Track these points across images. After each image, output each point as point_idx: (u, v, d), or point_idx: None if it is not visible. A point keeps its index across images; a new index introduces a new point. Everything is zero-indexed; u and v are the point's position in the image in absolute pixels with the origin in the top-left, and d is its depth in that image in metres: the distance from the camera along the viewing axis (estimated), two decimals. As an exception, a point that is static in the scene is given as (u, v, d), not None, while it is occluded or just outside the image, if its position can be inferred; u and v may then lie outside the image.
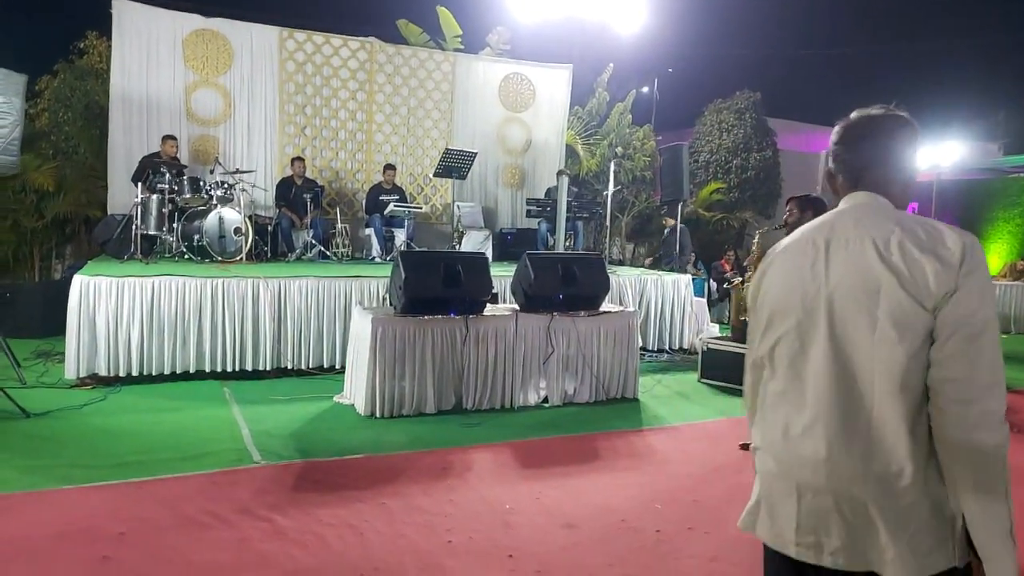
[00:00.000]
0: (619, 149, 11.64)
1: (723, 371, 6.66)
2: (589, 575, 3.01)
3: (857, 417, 1.41)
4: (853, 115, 1.60)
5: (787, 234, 4.67)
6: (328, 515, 3.49)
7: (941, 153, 8.56)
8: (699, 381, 6.82)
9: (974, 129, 8.87)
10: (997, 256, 14.69)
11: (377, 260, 8.83)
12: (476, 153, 9.03)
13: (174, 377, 6.05)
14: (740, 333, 6.71)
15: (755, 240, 4.88)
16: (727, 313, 10.88)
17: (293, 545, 3.18)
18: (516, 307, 5.94)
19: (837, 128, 1.63)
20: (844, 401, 1.42)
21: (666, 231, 11.15)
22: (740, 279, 7.41)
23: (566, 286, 5.78)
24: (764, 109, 14.25)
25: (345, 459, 4.35)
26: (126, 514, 3.46)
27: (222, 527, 3.34)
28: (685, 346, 8.32)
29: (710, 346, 6.83)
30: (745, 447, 4.70)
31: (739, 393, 6.37)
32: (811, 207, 4.59)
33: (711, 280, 11.09)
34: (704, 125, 14.49)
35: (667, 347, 8.08)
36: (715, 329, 8.43)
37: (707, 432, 5.25)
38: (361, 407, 5.29)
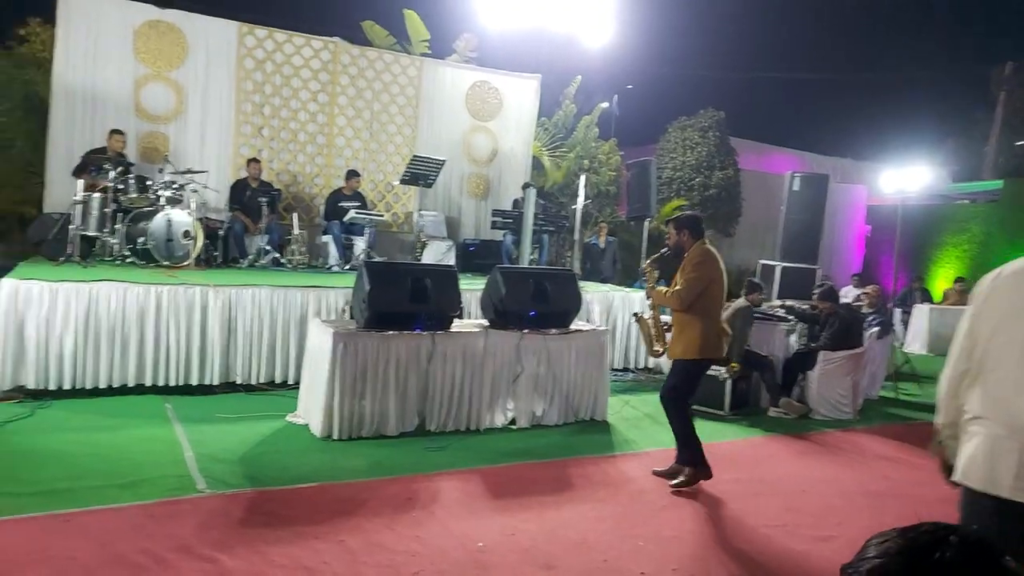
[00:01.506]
0: (586, 162, 11.53)
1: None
2: (572, 626, 2.75)
3: None
4: None
5: (672, 255, 4.58)
6: (280, 555, 3.15)
7: (907, 178, 8.62)
8: (668, 402, 6.65)
9: (928, 156, 9.03)
10: (943, 280, 15.08)
11: (335, 269, 8.45)
12: (444, 161, 8.75)
13: (111, 391, 5.58)
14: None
15: (646, 266, 4.81)
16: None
17: (241, 591, 2.84)
18: (485, 323, 5.67)
19: None
20: None
21: (602, 242, 11.00)
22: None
23: (538, 302, 5.55)
24: (728, 128, 14.35)
25: (299, 487, 4.00)
26: (48, 552, 3.05)
27: (159, 570, 2.98)
28: (650, 366, 8.18)
29: (680, 367, 6.66)
30: (658, 473, 4.55)
31: (707, 415, 6.23)
32: (686, 227, 4.48)
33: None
34: (668, 142, 14.52)
35: (632, 366, 7.92)
36: (681, 348, 8.29)
37: (681, 459, 5.05)
38: (317, 428, 4.94)
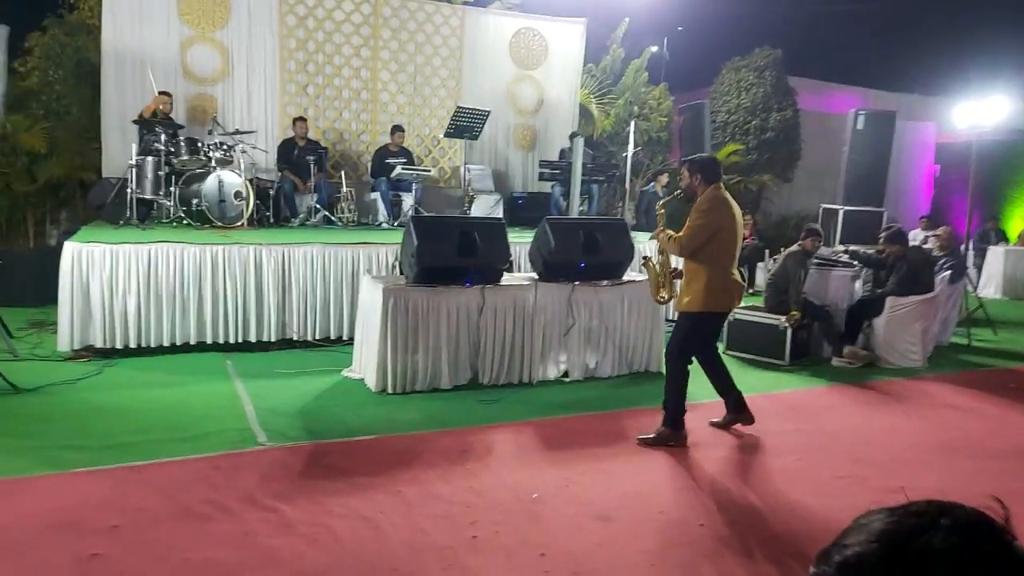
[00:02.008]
0: (635, 108, 11.16)
1: (751, 343, 6.34)
2: (630, 577, 2.71)
3: None
4: None
5: (685, 198, 4.27)
6: (339, 505, 3.20)
7: (982, 111, 8.06)
8: (724, 353, 6.49)
9: (1006, 87, 8.33)
10: (1020, 220, 14.24)
11: (384, 226, 8.46)
12: (489, 112, 8.57)
13: (174, 349, 5.76)
14: (774, 303, 6.37)
15: (658, 209, 4.53)
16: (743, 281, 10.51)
17: (302, 540, 2.89)
18: (535, 276, 5.59)
19: None
20: None
21: (660, 191, 10.40)
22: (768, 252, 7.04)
23: (589, 254, 5.43)
24: (785, 67, 13.65)
25: (356, 440, 4.05)
26: (119, 504, 3.17)
27: (225, 519, 3.06)
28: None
29: (737, 316, 6.47)
30: (715, 424, 4.42)
31: (769, 367, 6.07)
32: (698, 171, 4.16)
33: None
34: (721, 84, 13.91)
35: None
36: (738, 297, 8.06)
37: (739, 409, 4.93)
38: (372, 382, 4.99)
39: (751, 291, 10.12)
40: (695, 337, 4.19)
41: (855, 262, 6.94)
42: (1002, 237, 12.86)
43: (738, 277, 4.20)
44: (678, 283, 4.34)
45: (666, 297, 4.51)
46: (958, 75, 16.67)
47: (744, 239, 10.82)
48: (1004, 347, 7.27)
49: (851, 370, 6.09)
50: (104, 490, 3.32)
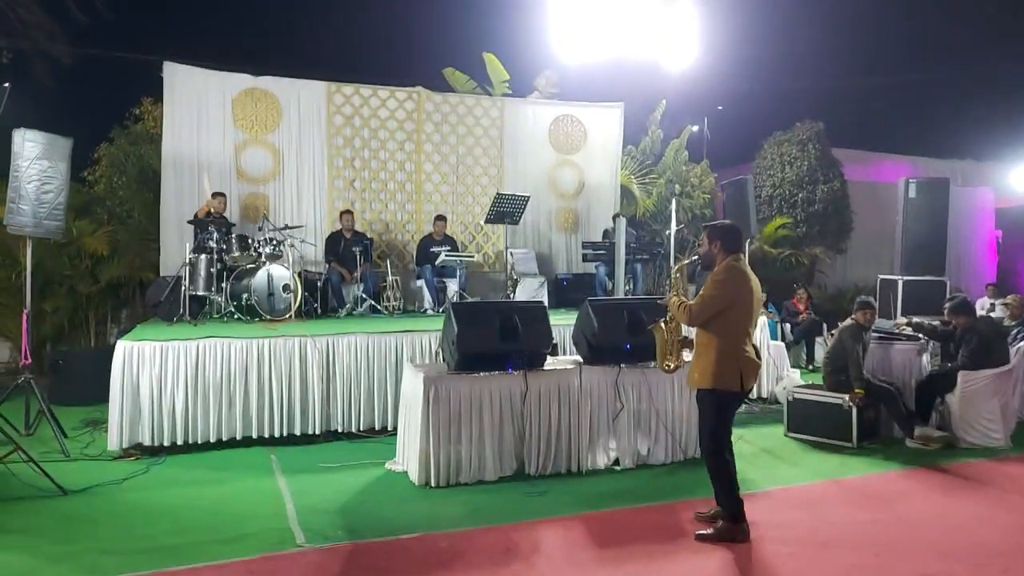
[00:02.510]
0: (677, 187, 11.15)
1: (813, 424, 5.99)
2: None
3: None
4: None
5: (702, 266, 4.04)
6: (377, 613, 3.02)
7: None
8: (786, 435, 6.14)
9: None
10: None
11: (429, 312, 8.48)
12: (528, 197, 8.67)
13: (220, 445, 5.73)
14: (833, 381, 6.04)
15: (674, 272, 4.29)
16: (803, 356, 10.09)
17: (335, 654, 2.71)
18: (579, 359, 5.44)
19: None
20: None
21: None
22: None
23: (633, 335, 5.26)
24: (828, 140, 13.56)
25: (397, 539, 3.88)
26: (153, 613, 3.05)
27: (256, 630, 2.90)
28: (764, 395, 7.64)
29: (796, 396, 6.15)
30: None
31: (832, 448, 5.69)
32: (718, 238, 3.98)
33: (783, 321, 10.33)
34: (764, 159, 13.87)
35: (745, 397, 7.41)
36: (796, 375, 7.71)
37: (806, 498, 4.59)
38: (415, 475, 4.83)
39: (811, 368, 9.69)
40: (719, 418, 3.92)
41: (920, 335, 6.56)
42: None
43: (753, 355, 3.92)
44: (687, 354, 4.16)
45: (671, 366, 4.31)
46: (1011, 139, 16.26)
47: (799, 314, 10.53)
48: (1096, 421, 6.68)
49: (927, 452, 5.65)
50: (139, 598, 3.21)
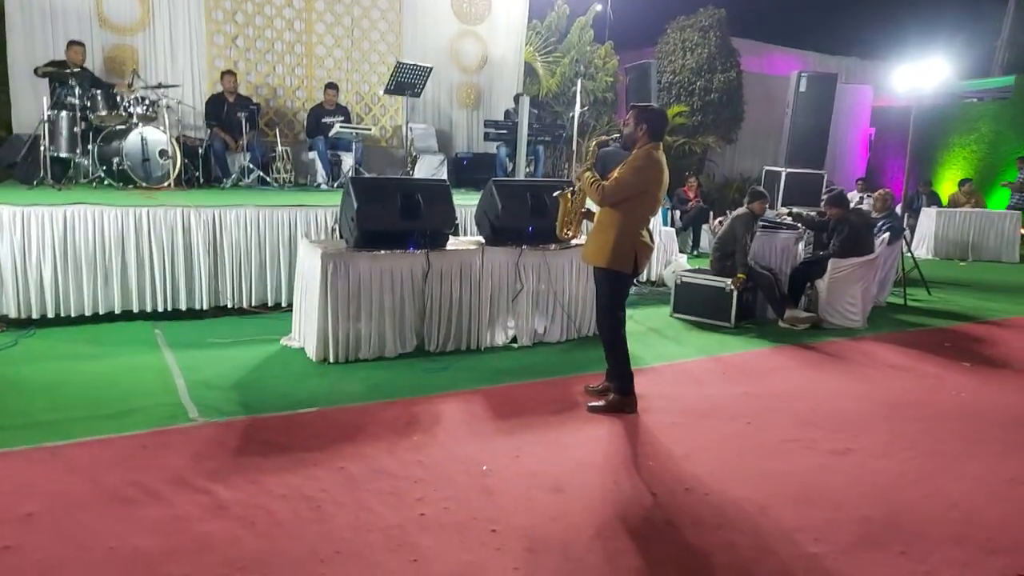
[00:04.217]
0: (581, 68, 10.95)
1: (698, 306, 6.35)
2: (585, 551, 2.64)
3: None
4: None
5: (622, 146, 4.13)
6: (278, 484, 3.02)
7: (921, 73, 8.16)
8: (671, 316, 6.50)
9: (942, 52, 8.39)
10: (950, 183, 14.77)
11: (323, 187, 8.12)
12: (431, 68, 8.25)
13: (97, 318, 5.39)
14: (719, 266, 6.37)
15: (590, 148, 4.28)
16: (689, 243, 10.57)
17: (238, 524, 2.71)
18: (481, 240, 5.42)
19: None
20: None
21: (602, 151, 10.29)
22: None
23: (536, 217, 5.27)
24: (728, 28, 13.63)
25: (297, 413, 3.86)
26: (35, 489, 2.92)
27: (152, 503, 2.85)
28: (652, 278, 8.00)
29: (684, 279, 6.47)
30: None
31: (712, 328, 6.10)
32: (646, 122, 3.91)
33: (674, 208, 10.70)
34: (667, 44, 13.82)
35: (635, 279, 7.72)
36: (683, 260, 8.09)
37: (689, 374, 4.93)
38: (312, 351, 4.77)
39: (696, 253, 10.20)
40: (616, 293, 4.03)
41: (799, 225, 7.00)
42: (934, 200, 13.26)
43: (647, 239, 4.01)
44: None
45: (569, 235, 4.36)
46: (895, 39, 16.96)
47: (689, 201, 10.91)
48: (937, 307, 7.51)
49: (795, 331, 6.17)
50: (18, 474, 3.05)
